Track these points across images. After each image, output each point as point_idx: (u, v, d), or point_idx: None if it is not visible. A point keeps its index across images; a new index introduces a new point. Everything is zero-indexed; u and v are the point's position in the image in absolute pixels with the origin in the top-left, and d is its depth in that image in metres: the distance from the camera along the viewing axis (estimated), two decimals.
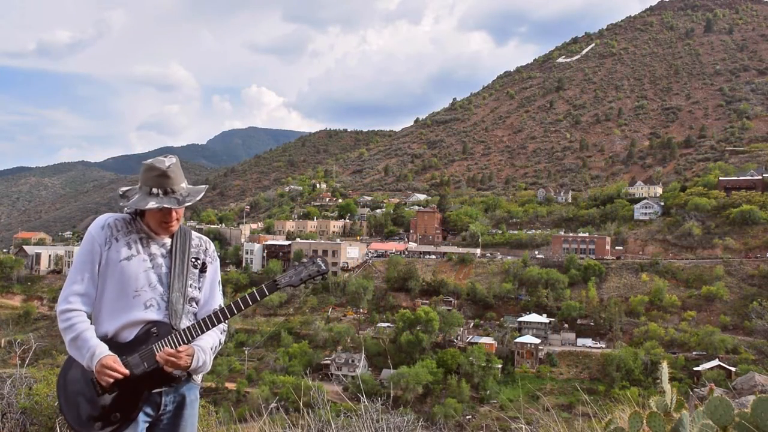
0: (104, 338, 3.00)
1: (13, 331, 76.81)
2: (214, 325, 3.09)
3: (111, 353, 2.91)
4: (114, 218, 3.14)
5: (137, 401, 2.99)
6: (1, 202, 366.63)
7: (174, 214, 3.10)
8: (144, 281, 3.04)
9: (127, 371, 2.90)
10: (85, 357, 2.90)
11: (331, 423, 5.55)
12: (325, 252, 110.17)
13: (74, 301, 2.99)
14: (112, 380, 2.87)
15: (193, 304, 3.21)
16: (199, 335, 3.07)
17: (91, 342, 2.92)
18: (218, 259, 3.40)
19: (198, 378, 3.22)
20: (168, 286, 3.10)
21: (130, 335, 3.02)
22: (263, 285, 3.16)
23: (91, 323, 3.02)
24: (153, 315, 3.04)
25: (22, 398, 5.35)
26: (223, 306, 3.16)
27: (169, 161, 3.07)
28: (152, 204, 2.99)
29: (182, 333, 3.04)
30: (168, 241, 3.18)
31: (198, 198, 3.11)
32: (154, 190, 3.02)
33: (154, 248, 3.13)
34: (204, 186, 3.19)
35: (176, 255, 3.16)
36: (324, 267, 3.21)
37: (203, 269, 3.27)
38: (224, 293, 3.45)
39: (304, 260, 3.27)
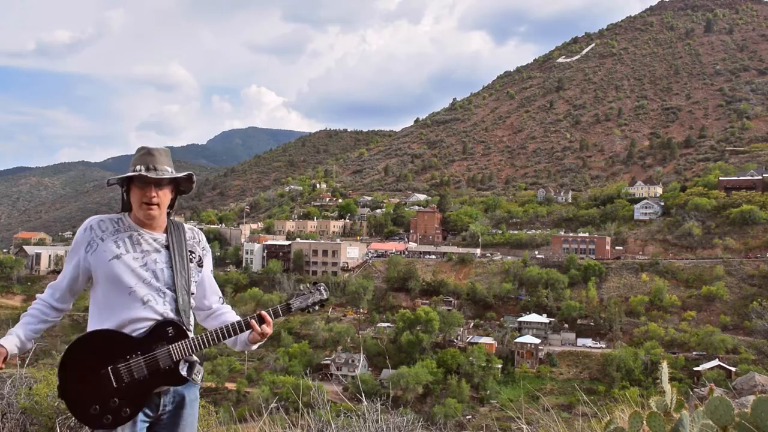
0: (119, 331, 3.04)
1: None
2: (230, 335, 3.15)
3: (8, 346, 2.96)
4: (98, 219, 3.14)
5: (146, 398, 3.00)
6: (1, 202, 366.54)
7: (154, 191, 3.08)
8: (137, 278, 3.04)
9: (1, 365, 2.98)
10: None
11: (331, 423, 5.55)
12: (325, 252, 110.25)
13: (44, 293, 3.13)
14: None
15: (191, 300, 3.23)
16: (215, 343, 3.12)
17: (16, 328, 3.03)
18: (210, 250, 3.43)
19: (198, 378, 3.20)
20: (164, 282, 3.09)
21: (139, 331, 3.02)
22: (278, 306, 3.27)
23: (40, 316, 3.09)
24: (159, 308, 3.04)
25: (22, 398, 5.35)
26: (240, 320, 3.19)
27: (156, 146, 3.15)
28: (134, 171, 3.04)
29: (203, 337, 3.09)
30: (160, 236, 3.17)
31: (180, 175, 3.16)
32: (138, 167, 3.05)
33: (146, 245, 3.11)
34: (190, 172, 3.23)
35: (175, 252, 3.15)
36: (326, 295, 3.36)
37: (200, 263, 3.29)
38: (224, 293, 3.46)
39: (309, 285, 3.39)
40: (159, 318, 3.05)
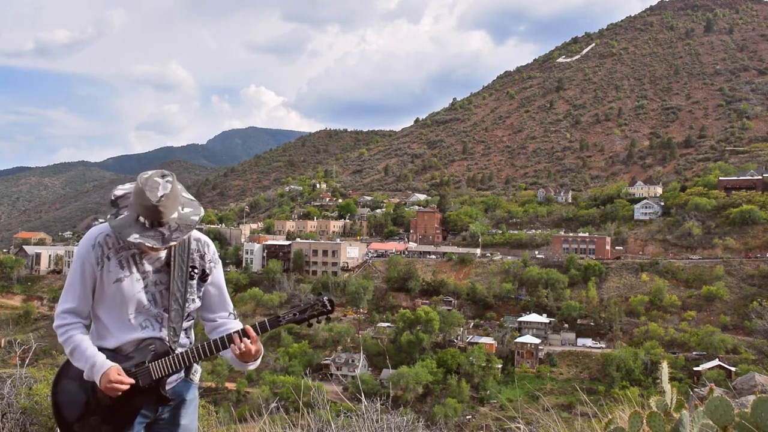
0: (104, 352, 2.99)
1: (13, 331, 76.70)
2: (211, 352, 3.03)
3: (113, 364, 2.89)
4: (105, 235, 3.00)
5: (132, 417, 2.98)
6: (1, 202, 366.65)
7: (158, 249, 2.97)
8: (136, 304, 2.99)
9: (132, 380, 2.88)
10: (86, 369, 2.89)
11: (331, 423, 5.55)
12: (325, 252, 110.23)
13: (67, 316, 2.97)
14: (120, 393, 2.86)
15: (189, 318, 3.15)
16: (199, 359, 3.04)
17: (88, 352, 2.90)
18: (220, 261, 3.26)
19: (195, 377, 3.21)
20: (162, 306, 3.04)
21: (128, 350, 3.01)
22: (266, 320, 3.07)
23: (87, 334, 3.00)
24: (149, 334, 3.02)
25: (22, 398, 5.35)
26: (224, 337, 3.05)
27: (162, 190, 2.84)
28: (134, 237, 2.82)
29: (183, 355, 3.02)
30: (162, 253, 3.06)
31: (185, 236, 2.91)
32: (141, 219, 2.85)
33: (148, 264, 3.03)
34: (196, 218, 2.98)
35: (174, 271, 3.06)
36: (329, 307, 3.10)
37: (203, 278, 3.17)
38: None
39: (311, 296, 3.18)
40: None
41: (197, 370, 3.21)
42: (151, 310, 3.02)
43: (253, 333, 2.99)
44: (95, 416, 2.93)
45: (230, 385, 71.18)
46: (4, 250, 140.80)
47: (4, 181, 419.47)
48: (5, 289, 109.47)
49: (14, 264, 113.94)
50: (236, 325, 3.19)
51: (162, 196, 2.83)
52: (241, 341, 2.98)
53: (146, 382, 2.95)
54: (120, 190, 3.02)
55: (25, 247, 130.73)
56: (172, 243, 2.88)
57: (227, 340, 3.00)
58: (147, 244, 2.83)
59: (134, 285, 2.98)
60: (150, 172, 2.93)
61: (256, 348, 3.00)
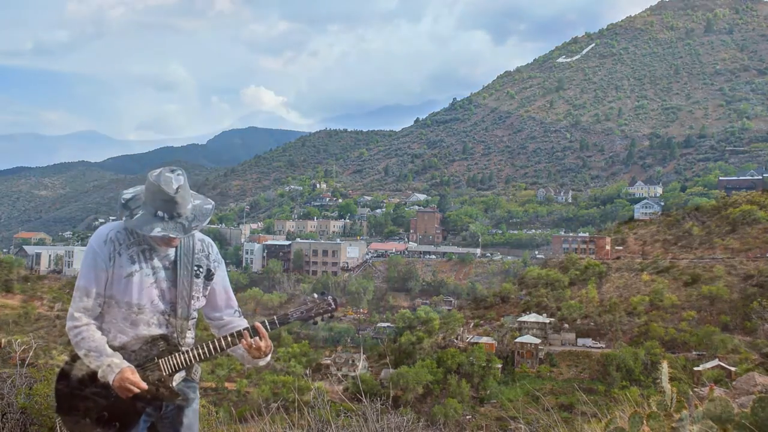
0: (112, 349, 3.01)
1: (13, 331, 76.64)
2: (222, 349, 3.09)
3: (128, 365, 2.90)
4: (116, 231, 3.05)
5: (138, 413, 3.00)
6: (1, 202, 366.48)
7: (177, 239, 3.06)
8: (146, 299, 3.02)
9: (145, 385, 2.90)
10: (101, 369, 2.89)
11: (331, 423, 5.55)
12: (325, 252, 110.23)
13: (80, 317, 2.96)
14: (131, 394, 2.88)
15: (194, 314, 3.21)
16: (209, 356, 3.10)
17: (104, 353, 2.91)
18: (222, 260, 3.34)
19: (196, 376, 3.25)
20: (169, 302, 3.08)
21: (135, 347, 3.04)
22: (274, 317, 3.16)
23: (102, 334, 3.00)
24: (156, 331, 3.05)
25: (22, 398, 5.35)
26: (234, 333, 3.10)
27: (176, 182, 2.96)
28: (157, 231, 2.91)
29: (194, 351, 3.07)
30: (171, 251, 3.12)
31: (204, 223, 3.04)
32: (160, 213, 2.94)
33: (157, 261, 3.08)
34: (209, 206, 3.12)
35: (180, 269, 3.11)
36: (333, 305, 3.22)
37: (209, 277, 3.23)
38: None
39: (315, 295, 3.27)
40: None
41: (197, 369, 3.25)
42: (159, 306, 3.06)
43: (262, 329, 3.07)
44: (104, 412, 2.94)
45: (230, 385, 71.09)
46: (4, 250, 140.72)
47: (4, 181, 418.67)
48: (5, 289, 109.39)
49: (14, 264, 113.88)
50: (242, 322, 3.26)
51: (178, 188, 2.95)
52: (251, 338, 3.05)
53: (156, 377, 2.98)
54: (129, 193, 3.08)
55: (25, 247, 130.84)
56: (193, 230, 2.99)
57: (237, 337, 3.07)
58: (171, 235, 2.93)
59: (144, 280, 3.03)
60: (158, 170, 3.04)
61: (265, 344, 3.08)
